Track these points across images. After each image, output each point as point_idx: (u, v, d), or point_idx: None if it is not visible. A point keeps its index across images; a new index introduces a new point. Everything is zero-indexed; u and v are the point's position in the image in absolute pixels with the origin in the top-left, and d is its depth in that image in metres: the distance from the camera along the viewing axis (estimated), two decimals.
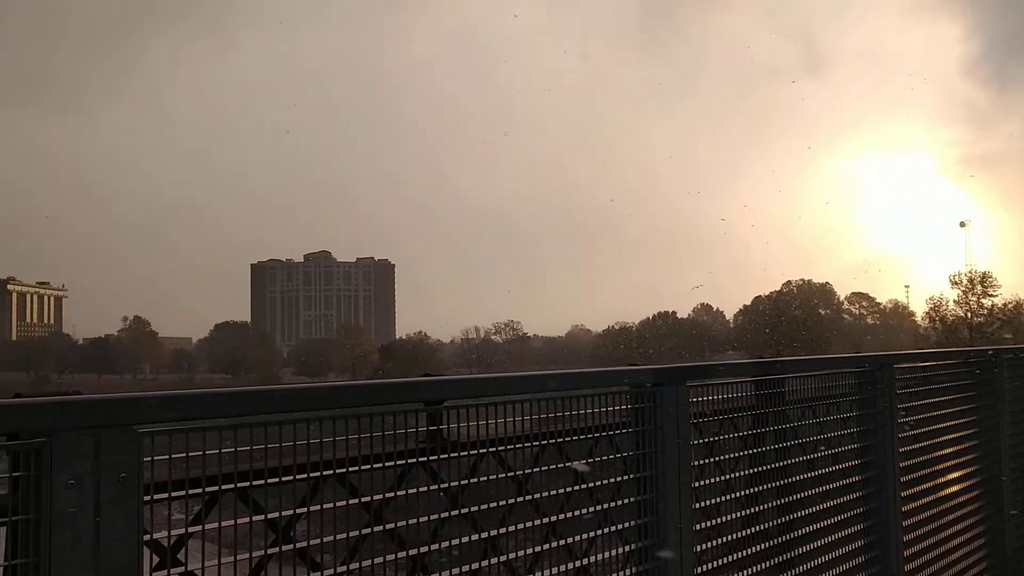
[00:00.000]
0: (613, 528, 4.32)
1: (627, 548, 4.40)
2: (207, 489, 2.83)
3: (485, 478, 3.78)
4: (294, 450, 3.01)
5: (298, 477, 3.08)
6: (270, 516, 3.03)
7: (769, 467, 5.46)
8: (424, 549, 3.49)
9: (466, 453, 3.69)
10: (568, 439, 4.13)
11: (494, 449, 3.80)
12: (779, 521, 5.52)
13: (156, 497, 2.65)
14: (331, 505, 3.20)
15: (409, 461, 3.47)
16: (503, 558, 3.78)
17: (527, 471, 3.96)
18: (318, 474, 3.14)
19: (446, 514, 3.58)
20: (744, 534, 5.20)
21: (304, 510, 3.14)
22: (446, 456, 3.60)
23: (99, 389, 3.10)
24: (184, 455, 2.71)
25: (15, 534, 2.41)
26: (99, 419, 2.47)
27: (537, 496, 3.98)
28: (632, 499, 4.44)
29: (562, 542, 4.05)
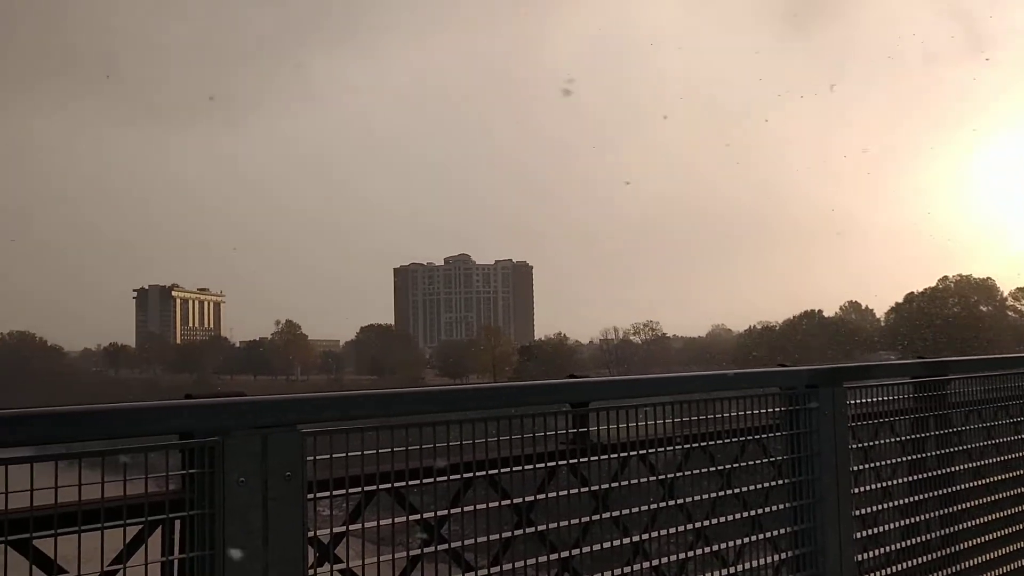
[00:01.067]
0: (765, 535, 4.20)
1: (780, 556, 4.26)
2: (365, 488, 2.93)
3: (631, 481, 3.74)
4: (448, 451, 3.07)
5: (451, 478, 3.14)
6: (425, 516, 3.10)
7: (931, 474, 5.18)
8: (574, 552, 3.48)
9: (614, 455, 3.66)
10: (716, 442, 4.04)
11: (641, 452, 3.76)
12: (943, 532, 5.22)
13: (316, 495, 2.76)
14: (482, 506, 3.24)
15: (557, 463, 3.47)
16: (653, 563, 3.73)
17: (674, 474, 3.90)
18: (470, 475, 3.19)
19: (595, 516, 3.57)
20: (905, 545, 4.95)
21: (456, 510, 3.20)
22: (594, 458, 3.59)
23: (257, 390, 3.26)
24: (344, 455, 2.80)
25: (191, 528, 2.56)
26: (266, 419, 2.59)
27: (685, 500, 3.91)
28: (786, 505, 4.30)
29: (711, 548, 3.97)
